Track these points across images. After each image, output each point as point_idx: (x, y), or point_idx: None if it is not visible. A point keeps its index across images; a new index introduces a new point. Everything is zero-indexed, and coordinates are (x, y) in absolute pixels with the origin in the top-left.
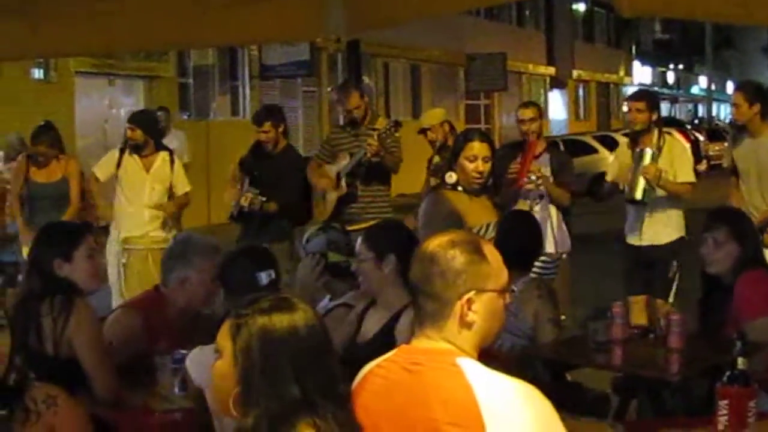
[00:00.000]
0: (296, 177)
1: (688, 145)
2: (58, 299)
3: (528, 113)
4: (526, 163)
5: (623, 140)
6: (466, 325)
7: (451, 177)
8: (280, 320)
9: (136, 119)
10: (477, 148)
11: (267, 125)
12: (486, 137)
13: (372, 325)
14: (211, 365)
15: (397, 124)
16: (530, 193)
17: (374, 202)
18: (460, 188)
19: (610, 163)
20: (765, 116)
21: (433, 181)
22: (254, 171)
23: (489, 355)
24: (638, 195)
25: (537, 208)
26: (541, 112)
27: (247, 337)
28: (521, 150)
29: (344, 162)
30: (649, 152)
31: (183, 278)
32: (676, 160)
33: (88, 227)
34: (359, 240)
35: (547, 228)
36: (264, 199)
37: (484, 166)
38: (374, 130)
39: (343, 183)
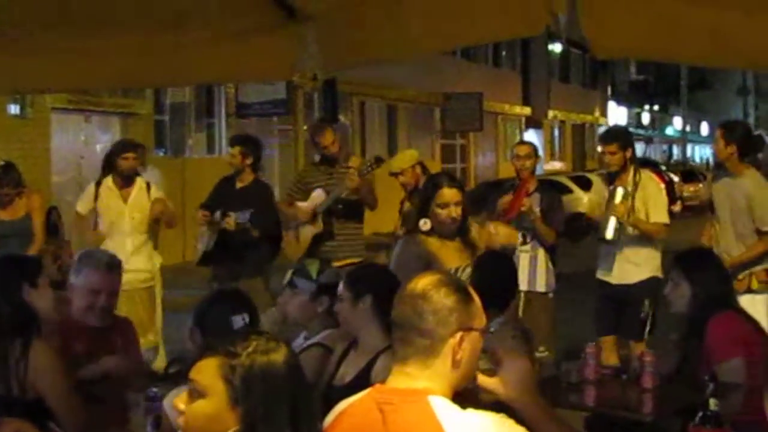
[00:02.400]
0: (266, 208)
1: (662, 186)
2: (18, 342)
3: (524, 150)
4: (519, 197)
5: (596, 179)
6: (455, 363)
7: (426, 224)
8: (277, 360)
9: (136, 145)
10: (447, 195)
11: (236, 149)
12: (454, 181)
13: (350, 368)
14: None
15: (379, 160)
16: (517, 230)
17: (349, 239)
18: (433, 234)
19: (588, 200)
20: (743, 157)
21: (401, 231)
22: (221, 208)
23: (462, 395)
24: (608, 234)
25: (527, 247)
26: (536, 151)
27: (247, 378)
28: (503, 188)
29: (321, 199)
30: (620, 191)
31: (70, 284)
32: (650, 200)
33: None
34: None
35: (537, 266)
36: (248, 224)
37: (456, 211)
38: (348, 168)
39: (320, 220)
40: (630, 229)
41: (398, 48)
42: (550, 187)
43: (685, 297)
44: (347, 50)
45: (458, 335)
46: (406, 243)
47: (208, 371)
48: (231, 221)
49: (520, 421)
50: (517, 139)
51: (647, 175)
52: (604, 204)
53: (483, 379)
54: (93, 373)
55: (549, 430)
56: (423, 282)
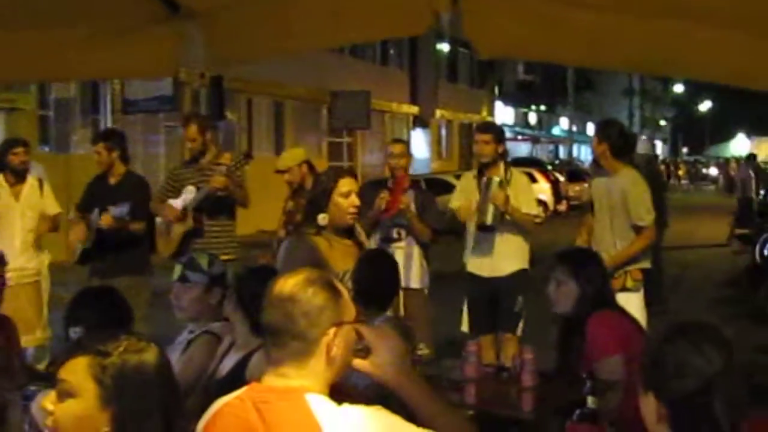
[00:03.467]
0: (145, 199)
1: (547, 185)
2: None
3: (397, 148)
4: (397, 194)
5: (467, 174)
6: (330, 360)
7: (325, 219)
8: (149, 359)
9: (22, 142)
10: (349, 183)
11: (100, 146)
12: (350, 172)
13: (227, 363)
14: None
15: (248, 156)
16: (393, 227)
17: (219, 237)
18: (326, 231)
19: (455, 191)
20: (617, 155)
21: (282, 232)
22: (96, 206)
23: (343, 393)
24: (489, 220)
25: (402, 244)
26: (409, 150)
27: (118, 378)
28: (385, 186)
29: (190, 195)
30: (497, 179)
31: None
32: (520, 194)
33: None
34: None
35: (412, 263)
36: (128, 217)
37: (357, 200)
38: (218, 165)
39: (190, 217)
40: (507, 219)
41: (282, 45)
42: (432, 186)
43: (571, 296)
44: (232, 47)
45: (331, 332)
46: (294, 244)
47: (77, 370)
48: (108, 217)
49: (401, 406)
50: (405, 137)
51: (517, 172)
52: (466, 195)
53: (357, 362)
54: None
55: (429, 408)
56: (290, 284)
